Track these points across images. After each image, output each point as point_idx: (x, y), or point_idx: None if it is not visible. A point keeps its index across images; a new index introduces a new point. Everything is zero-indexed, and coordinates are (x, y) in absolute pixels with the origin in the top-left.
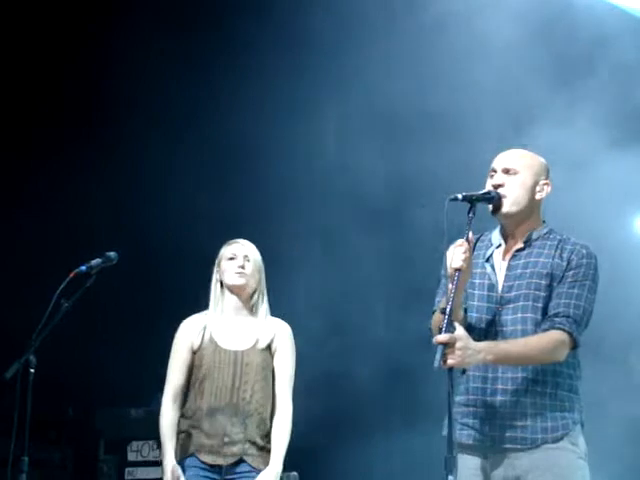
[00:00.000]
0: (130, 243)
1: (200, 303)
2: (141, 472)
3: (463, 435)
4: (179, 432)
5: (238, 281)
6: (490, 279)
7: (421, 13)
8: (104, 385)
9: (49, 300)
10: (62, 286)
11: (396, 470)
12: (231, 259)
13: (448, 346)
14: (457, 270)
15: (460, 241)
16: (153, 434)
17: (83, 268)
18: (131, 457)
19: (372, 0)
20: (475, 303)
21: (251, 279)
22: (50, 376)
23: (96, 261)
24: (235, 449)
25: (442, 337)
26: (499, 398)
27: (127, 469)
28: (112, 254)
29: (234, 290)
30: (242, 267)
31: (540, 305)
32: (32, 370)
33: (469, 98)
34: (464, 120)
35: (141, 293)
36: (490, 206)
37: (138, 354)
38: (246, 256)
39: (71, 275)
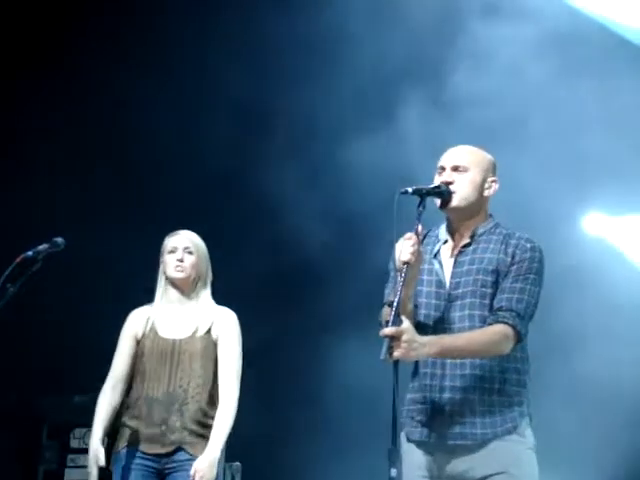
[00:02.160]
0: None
1: (148, 290)
2: (84, 459)
3: (415, 432)
4: (120, 423)
5: (177, 275)
6: (438, 275)
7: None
8: (48, 371)
9: None
10: (8, 271)
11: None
12: (171, 252)
13: (394, 339)
14: (405, 263)
15: (409, 234)
16: None
17: (30, 253)
18: (74, 444)
19: None
20: (423, 300)
21: (192, 270)
22: None
23: (43, 246)
24: (173, 437)
25: (388, 330)
26: (447, 395)
27: (69, 456)
28: (59, 240)
29: (175, 282)
30: (181, 260)
31: (487, 302)
32: None
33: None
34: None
35: (89, 278)
36: (438, 201)
37: (84, 340)
38: (186, 248)
39: (17, 260)
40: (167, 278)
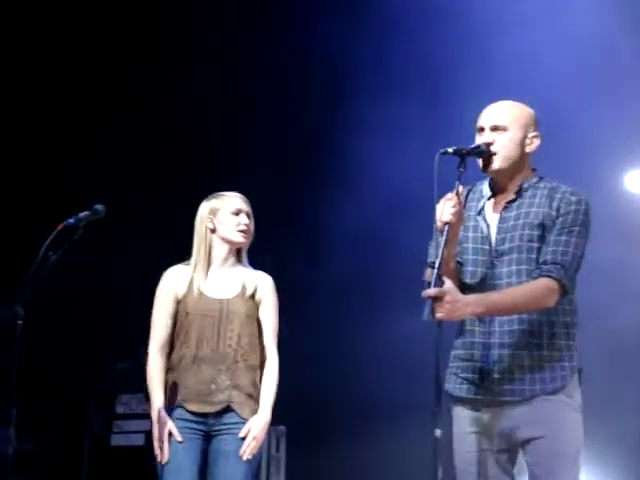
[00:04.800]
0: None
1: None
2: (129, 425)
3: (463, 389)
4: (165, 383)
5: (242, 239)
6: (483, 232)
7: None
8: (92, 338)
9: (37, 253)
10: (50, 239)
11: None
12: (235, 214)
13: (437, 299)
14: (446, 224)
15: (450, 195)
16: (141, 387)
17: (71, 221)
18: (119, 410)
19: None
20: (469, 257)
21: (251, 237)
22: (39, 329)
23: (84, 214)
24: (222, 396)
25: (431, 291)
26: (496, 352)
27: (115, 422)
28: (100, 207)
29: (230, 244)
30: (247, 226)
31: (534, 256)
32: (20, 322)
33: None
34: None
35: (129, 247)
36: (480, 162)
37: (126, 306)
38: (249, 214)
39: (59, 228)
40: (214, 234)
